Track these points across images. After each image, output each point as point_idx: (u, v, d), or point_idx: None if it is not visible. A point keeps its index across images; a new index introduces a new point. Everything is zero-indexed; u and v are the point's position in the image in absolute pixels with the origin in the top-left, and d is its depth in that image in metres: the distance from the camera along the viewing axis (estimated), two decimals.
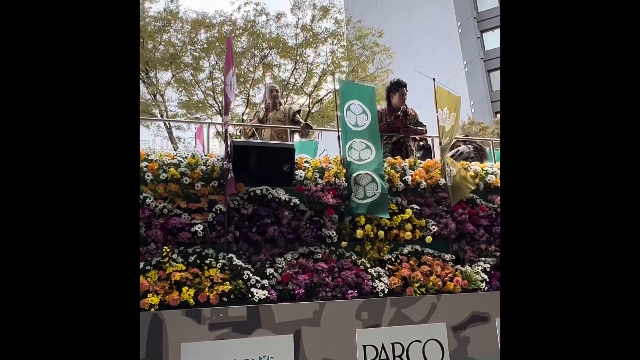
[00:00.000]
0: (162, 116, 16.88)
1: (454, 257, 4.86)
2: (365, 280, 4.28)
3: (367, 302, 4.13)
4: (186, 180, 4.27)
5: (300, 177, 4.63)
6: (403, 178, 5.04)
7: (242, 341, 3.70)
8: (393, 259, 4.61)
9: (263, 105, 6.35)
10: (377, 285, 4.27)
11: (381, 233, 4.63)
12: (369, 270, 4.38)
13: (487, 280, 4.66)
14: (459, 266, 4.76)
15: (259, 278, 4.00)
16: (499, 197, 5.24)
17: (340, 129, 4.97)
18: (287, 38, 17.11)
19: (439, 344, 4.18)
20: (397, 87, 6.00)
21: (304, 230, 4.41)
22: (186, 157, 4.40)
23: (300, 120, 6.11)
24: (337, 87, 5.42)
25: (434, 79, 5.27)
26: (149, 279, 3.72)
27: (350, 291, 4.17)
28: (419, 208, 4.94)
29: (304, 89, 17.53)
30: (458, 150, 6.51)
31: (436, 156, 5.79)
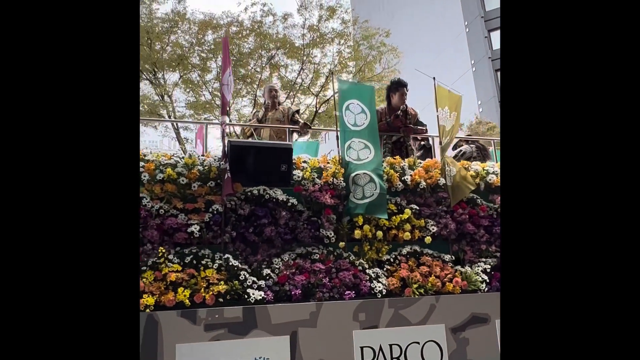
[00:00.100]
0: (169, 117, 16.94)
1: (453, 257, 4.80)
2: (363, 281, 4.25)
3: (365, 303, 4.09)
4: (183, 181, 4.27)
5: (298, 177, 4.61)
6: (402, 178, 5.00)
7: (238, 342, 3.68)
8: (392, 260, 4.57)
9: (262, 105, 6.35)
10: (375, 286, 4.24)
11: (380, 233, 4.59)
12: (367, 271, 4.35)
13: (488, 281, 4.60)
14: (458, 267, 4.71)
15: (255, 279, 3.98)
16: (499, 197, 5.18)
17: (339, 129, 4.94)
18: (294, 38, 17.12)
19: (438, 345, 4.14)
20: (397, 87, 5.96)
21: (301, 231, 4.38)
22: (183, 158, 4.39)
23: (300, 119, 6.09)
24: (336, 86, 5.38)
25: (434, 78, 5.22)
26: (144, 279, 3.72)
27: (347, 292, 4.14)
28: (418, 208, 4.89)
29: (311, 90, 17.50)
30: (461, 150, 6.46)
31: (437, 156, 5.74)
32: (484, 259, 4.83)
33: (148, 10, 16.44)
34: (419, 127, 6.02)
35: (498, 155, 6.54)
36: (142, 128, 17.07)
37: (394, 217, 4.72)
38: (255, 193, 4.36)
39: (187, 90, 17.28)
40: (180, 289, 3.72)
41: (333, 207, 4.61)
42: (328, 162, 4.86)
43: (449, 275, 4.51)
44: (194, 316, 3.63)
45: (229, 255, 4.05)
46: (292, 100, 17.61)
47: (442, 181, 5.04)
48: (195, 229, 4.07)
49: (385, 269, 4.49)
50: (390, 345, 4.03)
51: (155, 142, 21.91)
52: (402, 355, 4.03)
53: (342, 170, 4.76)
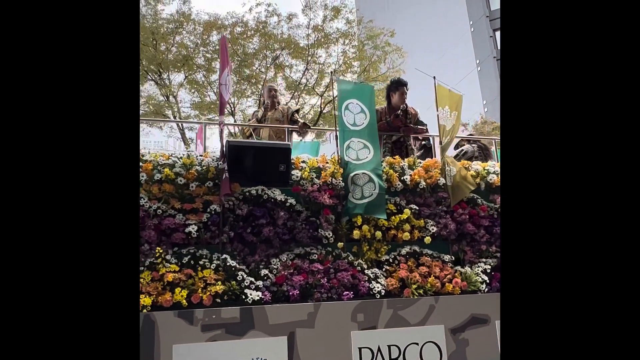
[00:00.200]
0: (174, 117, 16.99)
1: (453, 258, 4.76)
2: (362, 282, 4.22)
3: (363, 303, 4.07)
4: (181, 181, 4.27)
5: (297, 177, 4.59)
6: (402, 178, 4.97)
7: (235, 343, 3.67)
8: (391, 260, 4.54)
9: (262, 105, 6.35)
10: (374, 287, 4.21)
11: (379, 234, 4.57)
12: (365, 271, 4.32)
13: (488, 281, 4.56)
14: (458, 267, 4.67)
15: (253, 279, 3.97)
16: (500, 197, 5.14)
17: (338, 129, 4.92)
18: (299, 39, 17.12)
19: (437, 346, 4.11)
20: (397, 86, 5.94)
21: (299, 231, 4.36)
22: (181, 158, 4.39)
23: (299, 119, 6.07)
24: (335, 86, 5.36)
25: (434, 77, 5.19)
26: (141, 279, 3.71)
27: (346, 292, 4.11)
28: (417, 208, 4.86)
29: (316, 90, 17.49)
30: (462, 150, 6.43)
31: (437, 155, 5.71)
32: (484, 260, 4.79)
33: (153, 11, 16.54)
34: (419, 127, 5.99)
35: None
36: (147, 129, 17.20)
37: (393, 217, 4.69)
38: (253, 193, 4.35)
39: (192, 90, 17.34)
40: (177, 290, 3.72)
41: (332, 207, 4.59)
42: (327, 162, 4.83)
43: (448, 276, 4.48)
44: (191, 317, 3.62)
45: (227, 256, 4.04)
46: (296, 100, 17.62)
47: (442, 181, 5.01)
48: (193, 229, 4.06)
49: (384, 269, 4.46)
50: (389, 346, 4.00)
51: (160, 142, 21.89)
52: (401, 356, 4.00)
53: (341, 170, 4.74)
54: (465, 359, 4.13)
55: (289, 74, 17.55)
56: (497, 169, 5.39)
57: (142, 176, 4.19)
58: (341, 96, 5.04)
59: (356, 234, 4.51)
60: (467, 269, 4.64)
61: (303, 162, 4.78)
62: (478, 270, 4.63)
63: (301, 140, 7.24)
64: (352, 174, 4.66)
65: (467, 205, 5.04)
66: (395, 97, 5.95)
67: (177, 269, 3.86)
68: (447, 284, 4.42)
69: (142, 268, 3.79)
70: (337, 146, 4.89)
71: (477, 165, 5.40)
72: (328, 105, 17.50)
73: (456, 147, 6.75)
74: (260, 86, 16.92)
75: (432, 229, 4.77)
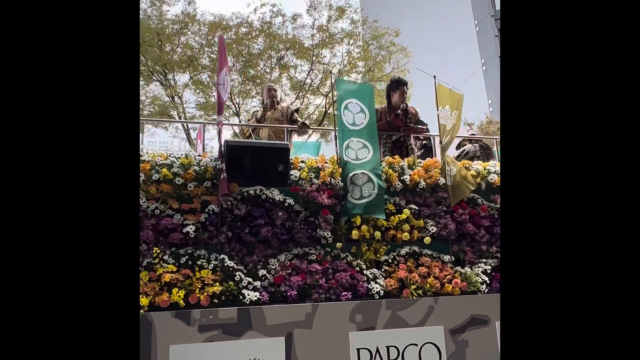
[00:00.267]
0: (179, 118, 17.04)
1: (453, 258, 4.72)
2: (361, 282, 4.20)
3: (362, 304, 4.05)
4: (179, 181, 4.26)
5: (295, 177, 4.58)
6: (401, 178, 4.94)
7: (232, 343, 3.66)
8: (390, 261, 4.52)
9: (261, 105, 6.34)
10: (373, 287, 4.19)
11: (378, 234, 4.54)
12: (364, 271, 4.30)
13: (488, 282, 4.53)
14: (458, 268, 4.64)
15: (251, 279, 3.96)
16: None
17: (337, 128, 4.90)
18: (304, 39, 17.13)
19: (436, 347, 4.08)
20: (398, 86, 5.92)
21: (298, 231, 4.35)
22: (179, 158, 4.38)
23: (298, 119, 6.06)
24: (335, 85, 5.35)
25: (434, 77, 5.17)
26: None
27: (344, 293, 4.09)
28: (417, 208, 4.82)
29: (320, 90, 17.47)
30: (464, 150, 6.39)
31: (437, 155, 5.67)
32: (484, 260, 4.75)
33: (158, 12, 16.60)
34: (419, 127, 5.96)
35: None
36: (152, 129, 17.23)
37: (392, 218, 4.66)
38: (251, 193, 4.34)
39: (197, 91, 17.37)
40: (174, 290, 3.71)
41: (330, 208, 4.56)
42: (326, 162, 4.81)
43: (448, 276, 4.44)
44: (188, 317, 3.61)
45: (225, 256, 4.04)
46: (301, 100, 17.62)
47: (442, 181, 4.97)
48: (191, 229, 4.05)
49: (383, 269, 4.44)
50: (388, 347, 3.98)
51: (166, 143, 21.97)
52: (400, 357, 3.98)
53: (340, 170, 4.72)
54: None
55: (293, 74, 17.57)
56: (498, 168, 5.34)
57: (140, 176, 4.18)
58: (340, 96, 5.02)
59: (355, 234, 4.49)
60: (467, 269, 4.61)
61: (302, 162, 4.76)
62: (478, 270, 4.59)
63: (308, 139, 7.24)
64: (351, 174, 4.64)
65: (467, 205, 5.00)
66: (395, 96, 5.92)
67: (175, 269, 3.86)
68: (446, 284, 4.39)
69: (139, 268, 3.78)
70: (336, 146, 4.87)
71: (477, 164, 5.35)
72: (333, 105, 17.43)
73: (458, 147, 6.71)
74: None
75: (432, 229, 4.73)
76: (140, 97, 16.51)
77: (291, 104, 14.89)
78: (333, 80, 5.52)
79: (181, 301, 3.68)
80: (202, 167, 4.40)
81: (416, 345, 4.04)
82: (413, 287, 4.26)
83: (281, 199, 4.39)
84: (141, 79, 16.13)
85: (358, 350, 3.90)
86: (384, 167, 4.90)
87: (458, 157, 6.20)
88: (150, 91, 17.12)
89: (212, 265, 3.96)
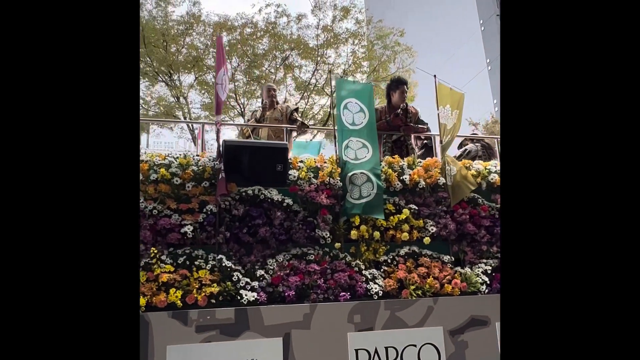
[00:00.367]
0: (185, 118, 17.10)
1: (453, 258, 4.69)
2: (359, 283, 4.18)
3: (360, 304, 4.02)
4: (177, 181, 4.25)
5: (294, 177, 4.56)
6: (401, 177, 4.91)
7: (230, 344, 3.65)
8: (389, 261, 4.49)
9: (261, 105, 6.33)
10: (372, 288, 4.17)
11: (377, 234, 4.51)
12: (363, 272, 4.28)
13: (488, 282, 4.49)
14: (458, 268, 4.60)
15: (248, 280, 3.95)
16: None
17: (336, 128, 4.88)
18: (308, 39, 17.18)
19: (436, 348, 4.05)
20: (397, 85, 5.90)
21: (296, 231, 4.33)
22: (177, 158, 4.38)
23: (298, 118, 6.05)
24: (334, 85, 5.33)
25: (434, 76, 5.14)
26: None
27: (343, 293, 4.07)
28: (417, 208, 4.79)
29: (325, 90, 17.47)
30: (466, 149, 6.35)
31: (438, 155, 5.64)
32: (484, 260, 4.71)
33: (163, 13, 16.67)
34: (419, 126, 5.93)
35: None
36: (158, 130, 17.30)
37: (391, 218, 4.63)
38: (250, 193, 4.33)
39: (202, 91, 17.43)
40: (172, 290, 3.71)
41: (329, 207, 4.54)
42: (325, 162, 4.79)
43: (447, 277, 4.41)
44: (185, 317, 3.61)
45: (223, 256, 4.03)
46: (306, 100, 17.62)
47: (442, 181, 4.93)
48: (189, 229, 4.05)
49: (382, 270, 4.41)
50: (386, 348, 3.95)
51: (171, 143, 22.08)
52: (399, 358, 3.95)
53: (339, 170, 4.70)
54: None
55: (298, 75, 17.59)
56: (499, 168, 5.30)
57: None
58: (340, 95, 5.00)
59: (354, 234, 4.46)
60: (467, 269, 4.57)
61: (300, 161, 4.74)
62: (478, 271, 4.55)
63: (313, 139, 7.23)
64: (350, 174, 4.62)
65: (467, 205, 4.96)
66: (395, 96, 5.90)
67: (172, 269, 3.86)
68: (446, 285, 4.35)
69: (139, 269, 3.78)
70: (335, 145, 4.85)
71: (478, 164, 5.31)
72: (332, 105, 17.38)
73: (460, 147, 6.68)
74: None
75: (432, 229, 4.69)
76: (146, 98, 16.64)
77: (296, 104, 14.91)
78: (332, 80, 5.51)
79: (179, 301, 3.68)
80: (200, 167, 4.39)
81: (415, 346, 4.01)
82: (412, 287, 4.23)
83: (280, 199, 4.37)
84: (147, 79, 16.23)
85: (356, 351, 3.88)
86: (383, 167, 4.87)
87: (459, 157, 6.17)
88: (155, 92, 17.20)
89: (209, 265, 3.95)
